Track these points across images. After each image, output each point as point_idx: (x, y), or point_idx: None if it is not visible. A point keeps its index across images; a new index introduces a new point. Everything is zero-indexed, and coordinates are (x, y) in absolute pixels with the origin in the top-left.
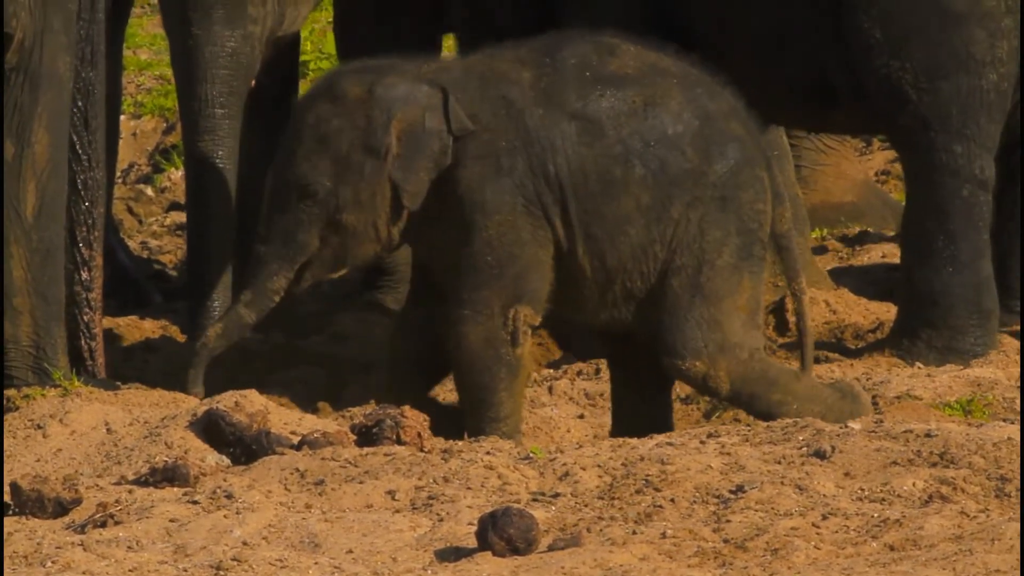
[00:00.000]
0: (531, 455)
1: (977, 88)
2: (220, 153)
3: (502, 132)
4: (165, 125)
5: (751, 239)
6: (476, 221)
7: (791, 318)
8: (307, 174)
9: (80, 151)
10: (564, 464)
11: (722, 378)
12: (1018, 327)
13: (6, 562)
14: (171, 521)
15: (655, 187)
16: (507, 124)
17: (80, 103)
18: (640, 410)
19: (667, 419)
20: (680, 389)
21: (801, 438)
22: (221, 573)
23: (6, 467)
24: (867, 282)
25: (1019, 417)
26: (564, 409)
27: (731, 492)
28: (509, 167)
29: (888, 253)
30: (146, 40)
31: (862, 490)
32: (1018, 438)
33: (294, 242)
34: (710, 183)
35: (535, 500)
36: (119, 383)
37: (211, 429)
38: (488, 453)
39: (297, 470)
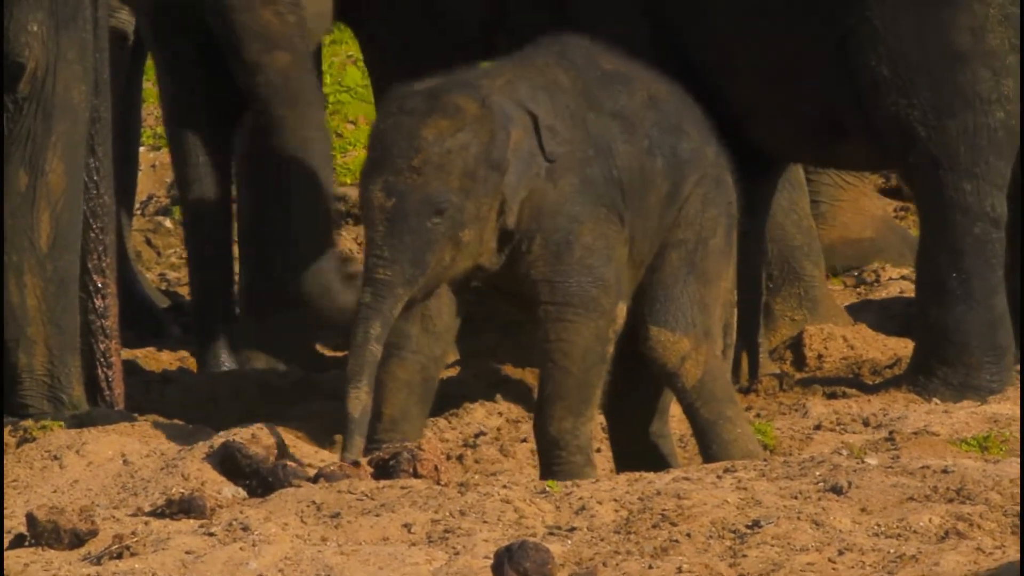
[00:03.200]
0: (547, 489)
1: (984, 126)
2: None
3: (577, 143)
4: None
5: (733, 224)
6: (574, 230)
7: (808, 353)
8: (438, 191)
9: (88, 178)
10: (580, 498)
11: (699, 364)
12: None
13: None
14: (187, 553)
15: (672, 174)
16: (577, 133)
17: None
18: (640, 447)
19: (670, 453)
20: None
21: (818, 473)
22: None
23: (23, 498)
24: (885, 318)
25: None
26: None
27: (747, 527)
28: (591, 177)
29: (906, 289)
30: None
31: (878, 525)
32: None
33: (423, 262)
34: (710, 162)
35: (551, 534)
36: (136, 414)
37: (228, 461)
38: (504, 487)
39: (313, 503)
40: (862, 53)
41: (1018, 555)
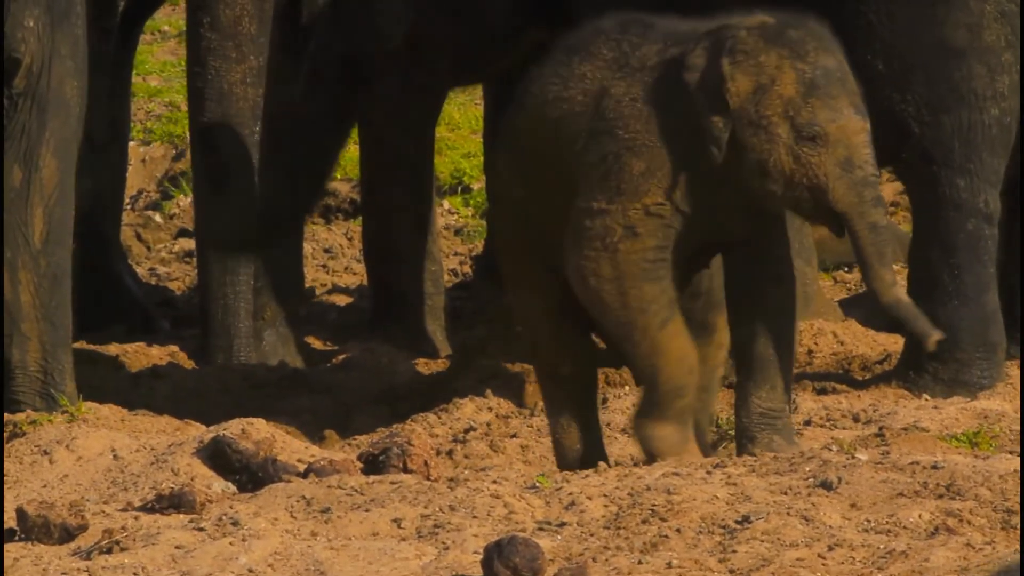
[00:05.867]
0: (537, 484)
1: (979, 123)
2: None
3: None
4: (174, 152)
5: None
6: None
7: (798, 349)
8: None
9: None
10: (570, 493)
11: None
12: None
13: None
14: (177, 548)
15: None
16: None
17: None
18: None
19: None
20: None
21: (808, 469)
22: None
23: (12, 493)
24: (875, 313)
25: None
26: None
27: (737, 523)
28: None
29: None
30: (156, 67)
31: (868, 521)
32: None
33: None
34: None
35: (541, 529)
36: (126, 409)
37: (218, 456)
38: (494, 482)
39: (303, 498)
40: (856, 48)
41: (1007, 551)
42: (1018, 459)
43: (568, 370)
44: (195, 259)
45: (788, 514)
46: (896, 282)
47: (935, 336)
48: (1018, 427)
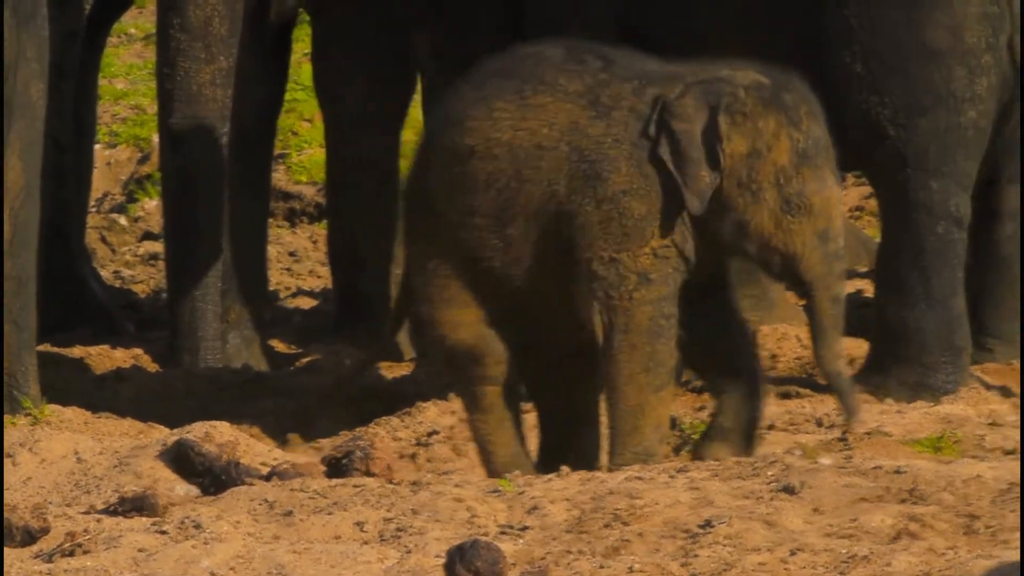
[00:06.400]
0: (499, 488)
1: (956, 125)
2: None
3: None
4: (140, 155)
5: None
6: None
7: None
8: None
9: None
10: (533, 497)
11: None
12: (990, 364)
13: None
14: (139, 551)
15: None
16: None
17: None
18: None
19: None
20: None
21: (770, 473)
22: None
23: None
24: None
25: (991, 453)
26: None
27: (699, 527)
28: None
29: (862, 289)
30: (122, 70)
31: (831, 526)
32: (987, 475)
33: None
34: None
35: (503, 533)
36: (90, 412)
37: (181, 459)
38: (457, 486)
39: (266, 501)
40: (835, 49)
41: (969, 556)
42: (981, 464)
43: (498, 373)
44: (160, 262)
45: (750, 518)
46: (842, 355)
47: (857, 418)
48: (981, 431)
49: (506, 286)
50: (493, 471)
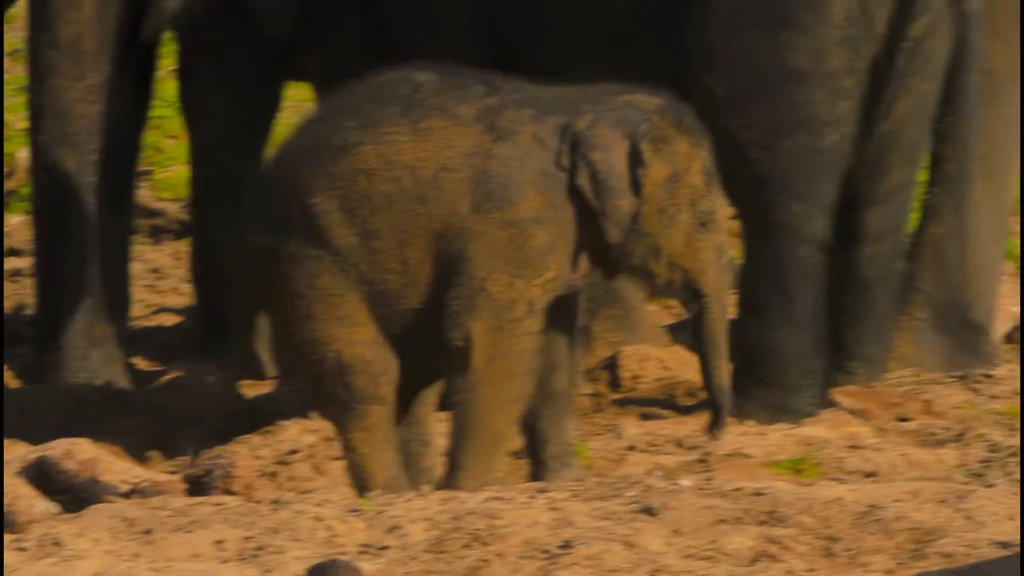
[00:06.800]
0: (359, 507)
1: (817, 148)
2: None
3: None
4: (5, 170)
5: None
6: None
7: (623, 374)
8: None
9: None
10: (393, 517)
11: None
12: (851, 386)
13: None
14: None
15: None
16: None
17: None
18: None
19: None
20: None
21: (631, 494)
22: None
23: None
24: None
25: (851, 476)
26: None
27: (559, 548)
28: None
29: None
30: None
31: (691, 548)
32: (847, 497)
33: None
34: None
35: (363, 552)
36: None
37: (41, 476)
38: (317, 504)
39: (126, 518)
40: (697, 71)
41: None
42: (841, 486)
43: (388, 393)
44: (22, 278)
45: (610, 539)
46: (727, 369)
47: (720, 433)
48: (841, 454)
49: (400, 307)
50: (368, 491)
